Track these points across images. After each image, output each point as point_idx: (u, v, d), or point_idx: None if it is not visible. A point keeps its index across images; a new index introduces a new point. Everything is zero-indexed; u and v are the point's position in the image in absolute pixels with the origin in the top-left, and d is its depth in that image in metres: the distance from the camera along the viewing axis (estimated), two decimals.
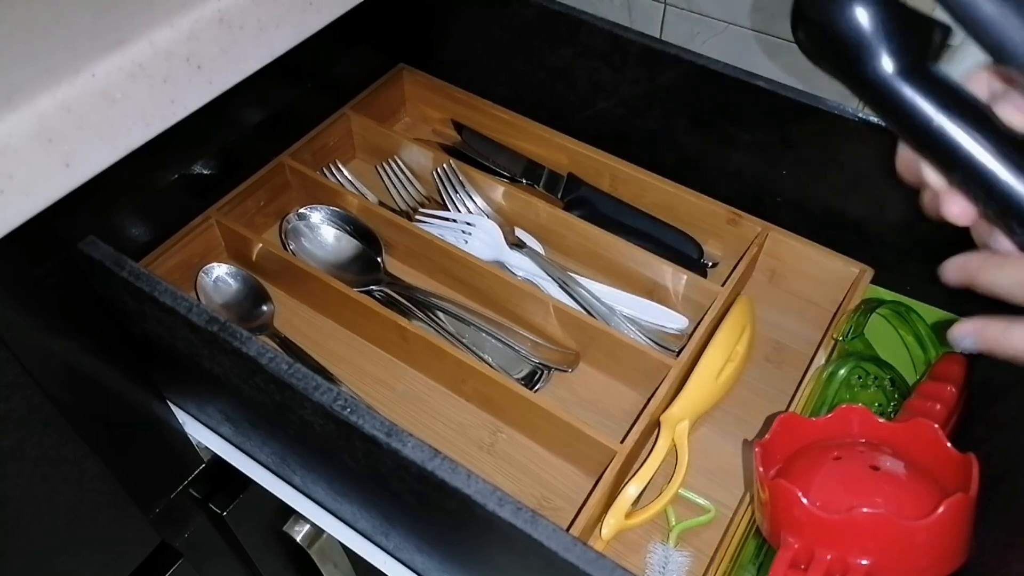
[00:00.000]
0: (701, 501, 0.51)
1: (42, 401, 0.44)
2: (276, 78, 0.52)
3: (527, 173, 0.68)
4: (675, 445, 0.53)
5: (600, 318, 0.58)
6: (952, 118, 0.28)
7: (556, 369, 0.57)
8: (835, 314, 0.58)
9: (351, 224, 0.63)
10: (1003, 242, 0.31)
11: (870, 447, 0.45)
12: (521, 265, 0.62)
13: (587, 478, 0.52)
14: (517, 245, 0.63)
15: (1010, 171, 0.27)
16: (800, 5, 0.29)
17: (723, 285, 0.57)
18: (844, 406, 0.47)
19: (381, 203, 0.66)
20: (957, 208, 0.31)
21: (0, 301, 0.42)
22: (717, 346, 0.54)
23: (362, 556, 0.53)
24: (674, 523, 0.50)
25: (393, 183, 0.68)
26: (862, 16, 0.28)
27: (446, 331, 0.58)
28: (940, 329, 0.56)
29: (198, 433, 0.58)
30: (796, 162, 0.58)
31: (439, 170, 0.66)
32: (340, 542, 0.54)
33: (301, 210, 0.62)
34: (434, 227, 0.63)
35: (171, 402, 0.58)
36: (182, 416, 0.58)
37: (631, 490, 0.50)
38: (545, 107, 0.68)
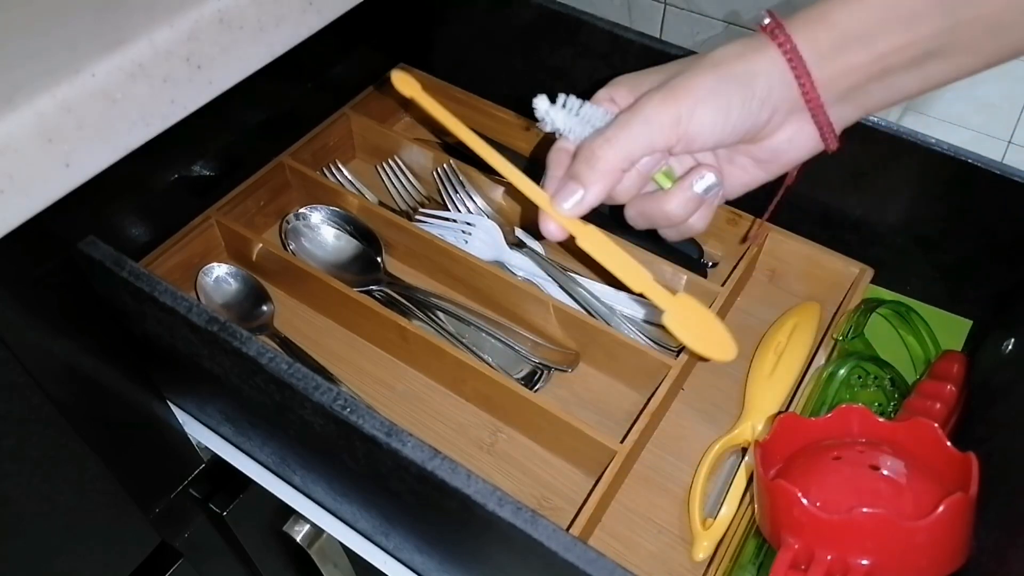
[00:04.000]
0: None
1: (42, 401, 0.44)
2: (276, 78, 0.51)
3: (527, 173, 0.67)
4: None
5: (600, 318, 0.57)
6: None
7: (556, 369, 0.57)
8: (835, 314, 0.58)
9: (351, 224, 0.63)
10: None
11: (870, 447, 0.45)
12: (521, 265, 0.62)
13: (587, 478, 0.52)
14: (517, 245, 0.63)
15: None
16: None
17: (723, 285, 0.57)
18: (844, 406, 0.47)
19: (381, 203, 0.66)
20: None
21: (0, 301, 0.42)
22: (762, 345, 0.57)
23: (362, 556, 0.53)
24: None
25: (393, 183, 0.68)
26: None
27: (446, 331, 0.58)
28: (940, 329, 0.56)
29: (198, 433, 0.58)
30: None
31: (439, 170, 0.66)
32: (340, 542, 0.54)
33: (301, 210, 0.62)
34: (434, 227, 0.63)
35: (171, 402, 0.58)
36: (182, 416, 0.58)
37: (724, 511, 0.50)
38: None
